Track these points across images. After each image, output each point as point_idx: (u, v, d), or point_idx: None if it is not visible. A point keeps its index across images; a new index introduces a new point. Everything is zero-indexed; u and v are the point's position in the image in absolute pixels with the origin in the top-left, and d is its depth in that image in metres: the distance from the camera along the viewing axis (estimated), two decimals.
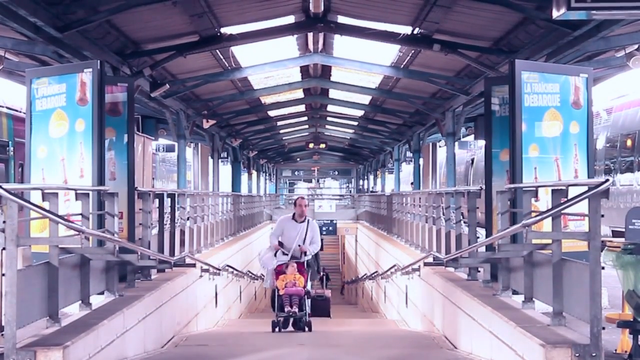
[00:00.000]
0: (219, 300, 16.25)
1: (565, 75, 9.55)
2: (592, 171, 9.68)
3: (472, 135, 27.05)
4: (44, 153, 9.64)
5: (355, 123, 33.48)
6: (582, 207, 6.78)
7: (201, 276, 13.55)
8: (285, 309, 11.36)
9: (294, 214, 11.93)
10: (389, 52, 17.85)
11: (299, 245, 11.70)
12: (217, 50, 16.41)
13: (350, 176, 61.97)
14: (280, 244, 11.78)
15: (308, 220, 11.93)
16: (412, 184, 31.18)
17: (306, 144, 42.35)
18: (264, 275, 13.23)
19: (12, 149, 16.52)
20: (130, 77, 13.38)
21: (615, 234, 15.81)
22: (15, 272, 5.96)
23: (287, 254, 11.70)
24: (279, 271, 11.60)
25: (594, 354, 5.97)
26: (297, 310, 11.33)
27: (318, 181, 64.86)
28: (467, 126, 24.76)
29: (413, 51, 16.98)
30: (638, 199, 17.51)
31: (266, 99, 25.82)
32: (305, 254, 11.72)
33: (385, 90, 23.08)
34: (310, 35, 17.52)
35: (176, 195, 14.06)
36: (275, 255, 11.74)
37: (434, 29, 14.36)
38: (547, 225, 7.68)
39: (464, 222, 12.30)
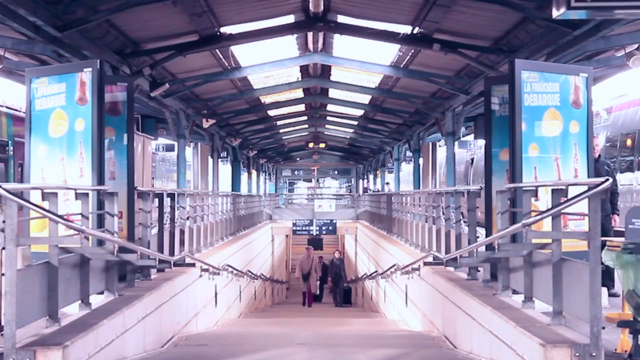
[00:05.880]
0: (218, 299, 16.25)
1: (565, 75, 9.52)
2: (592, 170, 9.66)
3: (472, 135, 27.02)
4: (43, 153, 9.60)
5: (355, 122, 33.46)
6: (582, 206, 6.77)
7: (201, 276, 13.54)
8: None
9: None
10: (389, 52, 17.84)
11: None
12: (217, 50, 16.42)
13: (350, 176, 61.90)
14: None
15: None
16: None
17: (306, 143, 42.29)
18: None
19: (11, 148, 16.51)
20: (130, 77, 13.38)
21: (615, 233, 15.79)
22: (14, 271, 5.95)
23: None
24: None
25: (593, 354, 5.97)
26: None
27: (318, 181, 64.75)
28: (467, 126, 24.75)
29: (413, 51, 16.97)
30: (638, 199, 17.51)
31: (266, 99, 25.80)
32: None
33: (385, 90, 23.06)
34: (310, 34, 17.51)
35: (176, 195, 14.04)
36: None
37: (433, 28, 14.36)
38: (547, 224, 7.66)
39: (464, 222, 12.29)
